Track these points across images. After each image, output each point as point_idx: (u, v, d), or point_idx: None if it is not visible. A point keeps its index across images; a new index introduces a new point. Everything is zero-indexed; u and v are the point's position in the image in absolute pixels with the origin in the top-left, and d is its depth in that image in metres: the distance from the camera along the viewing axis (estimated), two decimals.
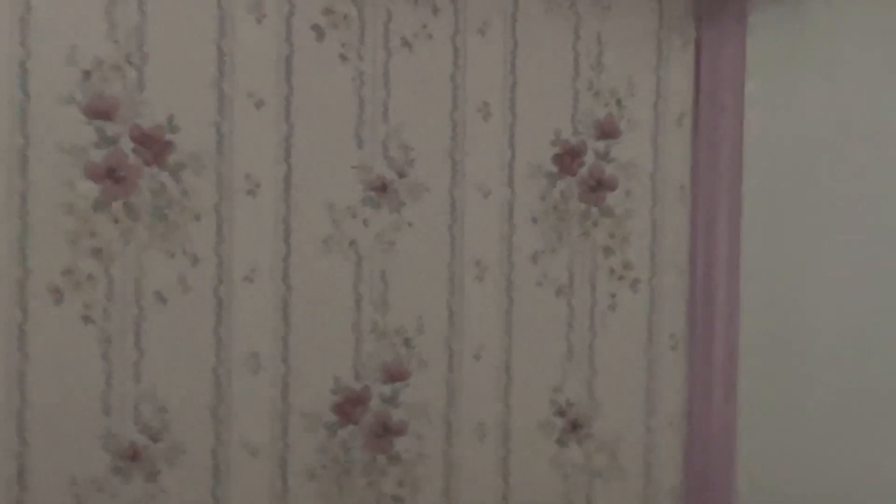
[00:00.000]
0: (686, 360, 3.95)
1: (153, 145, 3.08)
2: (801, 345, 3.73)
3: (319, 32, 3.29)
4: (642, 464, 3.90)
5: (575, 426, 3.78)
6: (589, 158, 3.75)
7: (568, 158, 3.72)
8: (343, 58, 3.33)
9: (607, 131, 3.78)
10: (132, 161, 3.06)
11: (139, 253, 3.08)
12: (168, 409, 3.14)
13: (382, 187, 3.41)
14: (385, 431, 3.46)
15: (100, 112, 3.00)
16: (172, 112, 3.10)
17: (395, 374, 3.47)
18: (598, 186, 3.78)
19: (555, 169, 3.70)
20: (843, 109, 3.59)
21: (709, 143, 3.90)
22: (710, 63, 3.89)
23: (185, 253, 3.13)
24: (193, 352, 3.16)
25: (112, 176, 3.02)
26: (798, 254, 3.73)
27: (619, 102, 3.80)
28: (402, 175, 3.43)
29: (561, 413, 3.75)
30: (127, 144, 3.04)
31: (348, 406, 3.40)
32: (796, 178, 3.72)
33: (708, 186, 3.91)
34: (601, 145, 3.77)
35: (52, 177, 2.97)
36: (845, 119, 3.59)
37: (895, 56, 3.45)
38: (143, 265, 3.09)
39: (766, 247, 3.83)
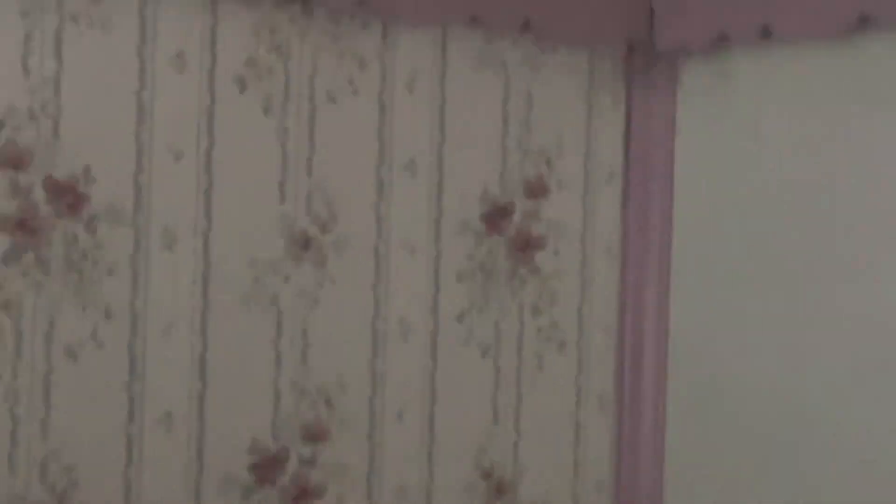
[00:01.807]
0: (614, 423, 3.90)
1: (67, 196, 3.00)
2: (729, 408, 3.70)
3: (242, 84, 3.24)
4: None
5: (500, 489, 3.72)
6: (517, 217, 3.72)
7: (496, 217, 3.68)
8: (266, 111, 3.28)
9: (536, 190, 3.75)
10: (45, 212, 2.97)
11: (50, 307, 2.99)
12: (76, 468, 3.03)
13: (305, 242, 3.35)
14: (303, 494, 3.38)
15: (12, 161, 2.92)
16: (89, 163, 3.03)
17: (314, 435, 3.39)
18: (526, 245, 3.74)
19: (482, 227, 3.66)
20: (770, 170, 3.59)
21: (639, 203, 3.89)
22: (641, 123, 3.87)
23: (98, 307, 3.04)
24: (105, 409, 3.07)
25: (23, 227, 2.93)
26: (726, 316, 3.71)
27: (548, 161, 3.77)
28: (325, 230, 3.37)
29: (486, 476, 3.69)
30: (40, 195, 2.96)
31: (265, 467, 3.31)
32: (725, 239, 3.71)
33: (637, 246, 3.89)
34: (530, 204, 3.74)
35: None
36: (773, 180, 3.60)
37: (821, 118, 3.46)
38: (53, 319, 2.99)
39: (695, 308, 3.81)
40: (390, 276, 3.50)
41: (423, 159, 3.55)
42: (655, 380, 3.88)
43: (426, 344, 3.57)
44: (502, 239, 3.70)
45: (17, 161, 2.94)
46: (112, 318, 3.07)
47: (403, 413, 3.54)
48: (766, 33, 3.49)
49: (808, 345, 3.50)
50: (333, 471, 3.42)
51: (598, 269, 3.88)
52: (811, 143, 3.49)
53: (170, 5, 3.13)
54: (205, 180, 3.20)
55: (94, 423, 3.06)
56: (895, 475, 3.28)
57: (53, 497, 3.00)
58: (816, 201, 3.49)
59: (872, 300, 3.35)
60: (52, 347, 3.00)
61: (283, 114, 3.30)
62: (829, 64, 3.43)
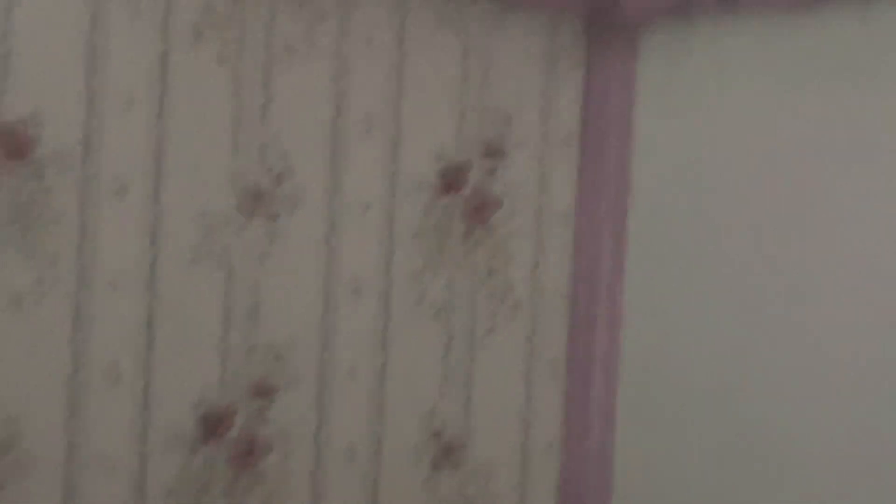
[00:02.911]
0: (564, 386, 3.88)
1: (15, 140, 2.93)
2: (679, 374, 3.69)
3: (198, 32, 3.17)
4: (517, 490, 3.82)
5: (449, 450, 3.69)
6: (473, 177, 3.67)
7: (452, 176, 3.64)
8: (222, 60, 3.21)
9: (493, 150, 3.70)
10: None
11: None
12: (19, 419, 2.97)
13: (257, 196, 3.29)
14: (251, 450, 3.33)
15: None
16: (38, 106, 2.95)
17: (263, 391, 3.34)
18: (482, 206, 3.70)
19: (438, 186, 3.61)
20: (729, 135, 3.56)
21: (595, 167, 3.85)
22: (599, 88, 3.84)
23: (44, 256, 2.97)
24: (49, 361, 3.01)
25: None
26: (680, 283, 3.69)
27: (506, 122, 3.73)
28: (278, 184, 3.32)
29: (435, 436, 3.66)
30: None
31: (213, 422, 3.27)
32: (681, 205, 3.69)
33: (593, 210, 3.86)
34: (487, 163, 3.70)
35: None
36: (732, 148, 3.57)
37: (780, 90, 3.44)
38: None
39: (650, 273, 3.79)
40: (344, 233, 3.45)
41: (379, 116, 3.50)
42: (607, 345, 3.86)
43: (378, 302, 3.53)
44: (458, 198, 3.66)
45: None
46: (58, 267, 3.00)
47: (354, 371, 3.50)
48: (729, 3, 3.46)
49: (763, 313, 3.48)
50: (282, 427, 3.37)
51: (553, 232, 3.85)
52: (769, 114, 3.47)
53: None
54: (156, 129, 3.13)
55: (38, 374, 3.00)
56: (838, 473, 3.28)
57: None
58: (773, 172, 3.47)
59: (824, 268, 3.34)
60: None
61: (238, 64, 3.24)
62: (790, 35, 3.40)
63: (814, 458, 3.32)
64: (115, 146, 3.07)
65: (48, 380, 3.01)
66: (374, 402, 3.54)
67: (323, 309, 3.43)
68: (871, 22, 3.20)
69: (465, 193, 3.67)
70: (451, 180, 3.64)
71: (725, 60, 3.56)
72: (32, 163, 2.96)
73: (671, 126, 3.72)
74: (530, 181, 3.79)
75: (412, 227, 3.58)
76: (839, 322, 3.27)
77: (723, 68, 3.57)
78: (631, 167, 3.81)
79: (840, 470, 3.25)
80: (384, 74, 3.49)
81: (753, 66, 3.49)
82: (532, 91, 3.76)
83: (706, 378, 3.61)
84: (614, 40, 3.80)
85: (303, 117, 3.36)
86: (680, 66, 3.68)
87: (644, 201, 3.80)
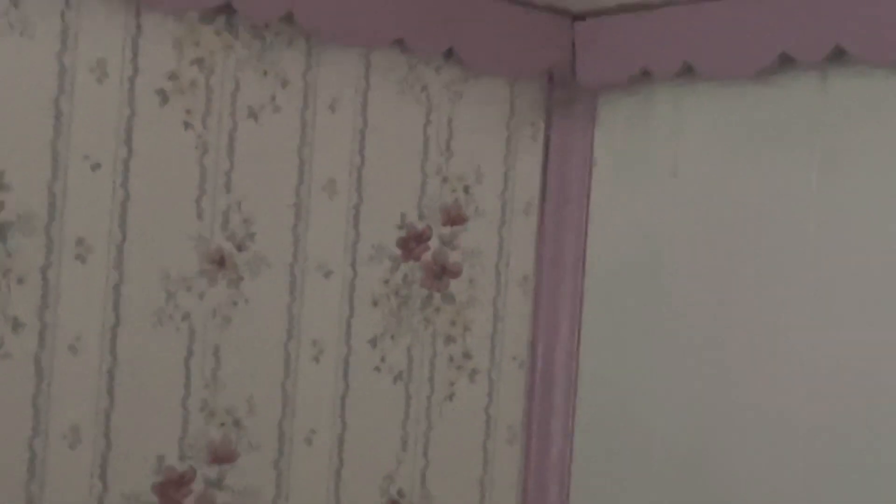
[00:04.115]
0: (522, 453, 3.89)
1: None
2: (637, 440, 3.71)
3: (164, 97, 3.19)
4: None
5: None
6: (434, 244, 3.70)
7: (413, 243, 3.66)
8: (187, 124, 3.23)
9: (453, 217, 3.74)
10: None
11: None
12: None
13: (220, 260, 3.29)
14: None
15: None
16: (2, 168, 2.95)
17: (222, 456, 3.32)
18: (441, 273, 3.73)
19: (399, 252, 3.64)
20: (686, 204, 3.62)
21: (553, 235, 3.90)
22: (559, 155, 3.89)
23: (6, 317, 2.96)
24: (9, 422, 2.98)
25: None
26: (638, 348, 3.73)
27: (466, 189, 3.76)
28: (241, 249, 3.33)
29: (393, 503, 3.65)
30: None
31: (170, 487, 3.24)
32: (639, 272, 3.73)
33: (551, 278, 3.90)
34: (447, 231, 3.73)
35: None
36: (688, 217, 3.63)
37: (738, 156, 3.51)
38: None
39: (607, 341, 3.82)
40: (305, 297, 3.46)
41: (342, 181, 3.52)
42: (564, 412, 3.89)
43: (338, 367, 3.54)
44: (418, 265, 3.68)
45: None
46: (20, 329, 2.99)
47: (312, 437, 3.49)
48: (686, 71, 3.53)
49: (718, 380, 3.52)
50: (240, 493, 3.35)
51: (511, 299, 3.88)
52: (727, 180, 3.53)
53: (92, 12, 3.07)
54: (121, 192, 3.13)
55: None
56: None
57: None
58: (730, 239, 3.52)
59: (782, 336, 3.39)
60: None
61: (203, 128, 3.25)
62: (747, 102, 3.47)
63: None
64: (80, 209, 3.06)
65: (8, 442, 2.98)
66: (333, 467, 3.54)
67: (283, 373, 3.43)
68: (829, 89, 3.28)
69: (425, 260, 3.70)
70: (411, 247, 3.67)
71: (683, 127, 3.63)
72: None
73: (629, 192, 3.78)
74: (490, 248, 3.82)
75: (372, 292, 3.59)
76: (798, 384, 3.32)
77: (680, 135, 3.63)
78: (589, 233, 3.86)
79: None
80: (347, 139, 3.52)
81: (711, 133, 3.56)
82: (492, 158, 3.81)
83: (664, 443, 3.64)
84: (573, 108, 3.86)
85: (266, 182, 3.37)
86: (638, 132, 3.75)
87: (601, 267, 3.84)
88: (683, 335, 3.61)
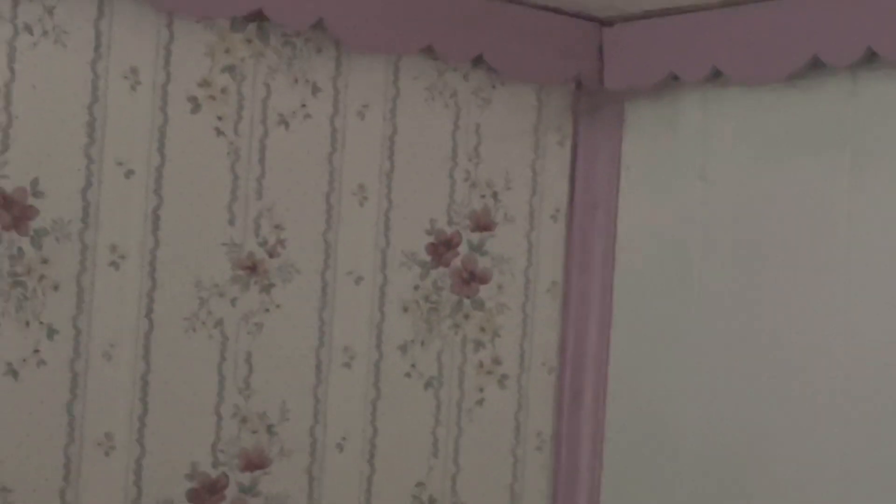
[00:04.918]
0: (552, 459, 3.89)
1: (15, 209, 2.94)
2: (667, 447, 3.70)
3: (195, 104, 3.20)
4: None
5: None
6: (463, 250, 3.70)
7: (442, 248, 3.67)
8: (218, 131, 3.24)
9: (482, 223, 3.74)
10: None
11: None
12: (13, 489, 2.95)
13: (252, 266, 3.30)
14: None
15: None
16: (37, 176, 2.97)
17: (255, 463, 3.33)
18: (471, 279, 3.73)
19: (428, 258, 3.64)
20: (715, 209, 3.61)
21: (582, 240, 3.89)
22: (587, 160, 3.89)
23: (41, 324, 2.97)
24: (44, 429, 2.99)
25: None
26: (667, 354, 3.72)
27: (495, 195, 3.77)
28: (273, 255, 3.33)
29: None
30: None
31: (204, 493, 3.25)
32: (668, 278, 3.73)
33: (580, 284, 3.89)
34: (476, 237, 3.73)
35: None
36: (716, 222, 3.62)
37: (766, 161, 3.50)
38: None
39: (636, 347, 3.81)
40: (336, 303, 3.46)
41: (372, 188, 3.53)
42: (594, 418, 3.88)
43: (369, 374, 3.54)
44: (447, 271, 3.68)
45: None
46: (55, 335, 3.00)
47: (344, 443, 3.49)
48: (715, 75, 3.53)
49: (749, 385, 3.51)
50: (272, 500, 3.36)
51: (540, 305, 3.88)
52: (757, 184, 3.53)
53: (125, 20, 3.09)
54: (154, 199, 3.15)
55: (33, 443, 2.98)
56: None
57: None
58: (760, 242, 3.52)
59: (813, 340, 3.38)
60: None
61: (235, 135, 3.26)
62: (776, 105, 3.46)
63: None
64: (114, 216, 3.08)
65: (43, 450, 2.99)
66: (365, 473, 3.54)
67: (315, 380, 3.43)
68: (858, 93, 3.28)
69: (455, 266, 3.70)
70: (440, 253, 3.67)
71: (712, 131, 3.62)
72: (31, 232, 2.96)
73: (657, 197, 3.77)
74: (518, 254, 3.82)
75: (402, 299, 3.60)
76: (830, 387, 3.31)
77: (709, 139, 3.63)
78: (617, 239, 3.85)
79: None
80: (377, 146, 3.53)
81: (741, 137, 3.55)
82: (521, 164, 3.81)
83: (695, 449, 3.63)
84: (601, 113, 3.86)
85: (297, 188, 3.38)
86: (666, 137, 3.74)
87: (630, 272, 3.84)
88: (714, 340, 3.60)
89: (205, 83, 3.22)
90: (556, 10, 3.70)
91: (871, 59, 3.19)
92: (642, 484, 3.77)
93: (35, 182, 2.97)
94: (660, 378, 3.74)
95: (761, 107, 3.51)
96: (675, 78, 3.62)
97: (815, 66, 3.30)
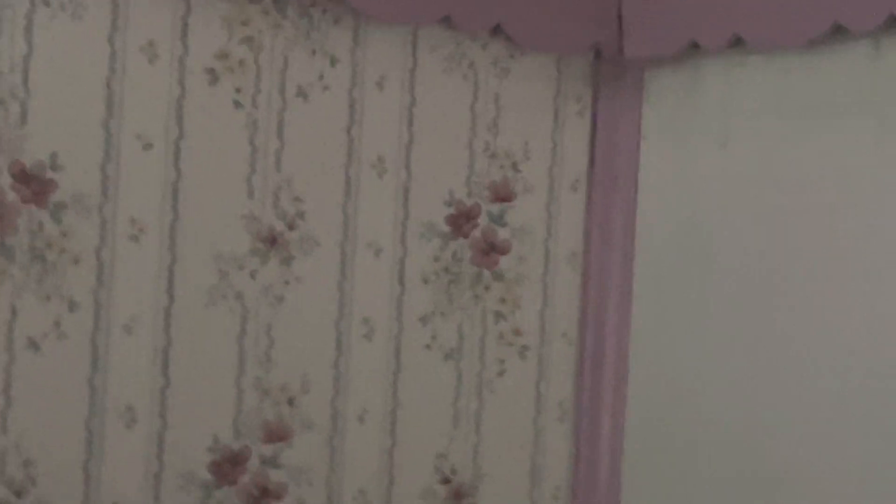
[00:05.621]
0: (573, 430, 3.88)
1: (34, 183, 2.94)
2: (688, 417, 3.69)
3: (213, 76, 3.19)
4: None
5: (459, 495, 3.68)
6: (483, 221, 3.69)
7: (462, 220, 3.66)
8: (237, 104, 3.23)
9: (502, 194, 3.73)
10: (10, 199, 2.91)
11: (13, 296, 2.92)
12: (35, 462, 2.96)
13: (272, 239, 3.30)
14: (263, 494, 3.32)
15: None
16: (56, 149, 2.96)
17: (276, 435, 3.33)
18: (490, 250, 3.71)
19: (448, 230, 3.63)
20: (736, 179, 3.59)
21: (602, 210, 3.88)
22: (606, 130, 3.87)
23: (62, 297, 2.97)
24: (66, 402, 3.00)
25: None
26: (688, 325, 3.70)
27: (514, 166, 3.75)
28: (292, 227, 3.33)
29: (445, 481, 3.65)
30: (6, 181, 2.90)
31: (226, 466, 3.26)
32: (689, 247, 3.71)
33: (600, 254, 3.88)
34: (495, 208, 3.72)
35: None
36: (739, 188, 3.60)
37: (788, 128, 3.47)
38: (16, 309, 2.92)
39: (657, 317, 3.80)
40: (355, 276, 3.46)
41: (390, 159, 3.52)
42: (615, 388, 3.87)
43: (389, 346, 3.54)
44: (467, 242, 3.67)
45: None
46: (76, 309, 3.00)
47: (365, 415, 3.49)
48: (736, 43, 3.50)
49: (771, 354, 3.50)
50: (294, 471, 3.36)
51: (560, 276, 3.86)
52: (779, 152, 3.50)
53: None
54: (173, 172, 3.15)
55: (55, 416, 2.99)
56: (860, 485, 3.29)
57: (11, 492, 2.92)
58: (782, 210, 3.49)
59: (837, 309, 3.36)
60: (14, 338, 2.92)
61: (253, 107, 3.26)
62: (798, 73, 3.43)
63: (825, 493, 3.32)
64: (133, 189, 3.08)
65: (65, 423, 3.00)
66: (386, 445, 3.54)
67: (335, 352, 3.43)
68: (882, 58, 3.24)
69: (474, 237, 3.69)
70: (460, 224, 3.66)
71: (733, 99, 3.59)
72: (51, 206, 2.96)
73: (678, 166, 3.74)
74: (538, 225, 3.81)
75: (422, 270, 3.59)
76: (853, 360, 3.29)
77: (730, 107, 3.60)
78: (638, 209, 3.83)
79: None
80: (395, 117, 3.52)
81: (762, 105, 3.52)
82: (540, 135, 3.79)
83: (715, 418, 3.61)
84: (621, 82, 3.84)
85: (316, 160, 3.37)
86: (687, 105, 3.71)
87: (651, 242, 3.82)
88: (736, 310, 3.58)
89: (222, 55, 3.21)
90: None
91: (892, 25, 3.16)
92: (664, 454, 3.76)
93: (54, 156, 2.97)
94: (681, 347, 3.72)
95: (783, 74, 3.47)
96: (696, 46, 3.59)
97: (837, 33, 3.27)
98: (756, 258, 3.55)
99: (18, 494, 2.93)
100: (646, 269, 3.84)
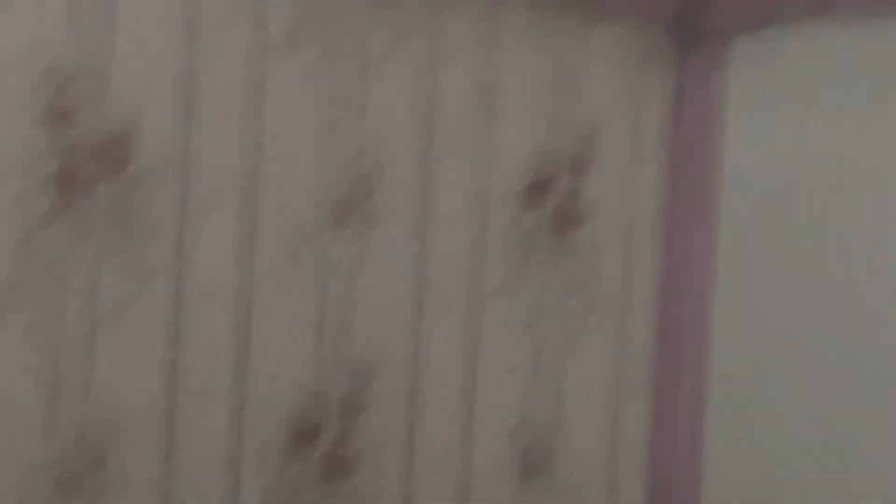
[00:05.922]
0: (652, 404, 3.84)
1: (113, 154, 2.93)
2: (771, 391, 3.65)
3: (292, 44, 3.17)
4: (606, 501, 3.80)
5: (536, 469, 3.66)
6: (560, 191, 3.65)
7: (539, 191, 3.62)
8: (315, 72, 3.21)
9: (580, 165, 3.68)
10: (90, 170, 2.91)
11: (93, 268, 2.92)
12: (116, 434, 2.97)
13: (349, 210, 3.28)
14: (340, 466, 3.32)
15: (58, 117, 2.85)
16: (135, 120, 2.96)
17: (353, 407, 3.33)
18: (568, 221, 3.67)
19: (526, 200, 3.59)
20: (822, 148, 3.52)
21: (682, 181, 3.82)
22: (688, 100, 3.81)
23: (141, 269, 2.98)
24: (145, 375, 3.01)
25: (68, 185, 2.87)
26: (772, 298, 3.65)
27: (592, 136, 3.70)
28: (369, 198, 3.31)
29: (523, 454, 3.63)
30: (85, 152, 2.89)
31: (303, 438, 3.26)
32: (773, 217, 3.65)
33: (680, 226, 3.82)
34: (573, 179, 3.67)
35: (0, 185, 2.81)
36: (825, 158, 3.53)
37: (876, 95, 3.40)
38: (96, 281, 2.93)
39: (739, 290, 3.75)
40: (433, 247, 3.43)
41: (468, 130, 3.48)
42: (696, 357, 3.82)
43: (466, 318, 3.51)
44: (545, 213, 3.63)
45: (62, 117, 2.87)
46: (155, 280, 3.01)
47: (443, 386, 3.48)
48: (822, 10, 3.42)
49: (860, 327, 3.44)
50: (371, 443, 3.36)
51: (639, 247, 3.82)
52: (867, 122, 3.43)
53: None
54: (251, 143, 3.13)
55: (135, 386, 3.00)
56: None
57: (92, 458, 2.94)
58: (872, 181, 3.43)
59: None
60: (96, 308, 2.93)
61: (331, 76, 3.23)
62: (887, 41, 3.35)
63: None
64: (212, 161, 3.07)
65: (145, 396, 3.01)
66: (463, 416, 3.52)
67: (412, 324, 3.41)
68: None
69: (552, 207, 3.65)
70: (537, 195, 3.62)
71: (819, 69, 3.52)
72: (130, 176, 2.96)
73: (762, 137, 3.68)
74: (616, 196, 3.76)
75: (500, 240, 3.56)
76: None
77: (816, 77, 3.52)
78: (720, 180, 3.78)
79: None
80: (474, 86, 3.48)
81: (850, 74, 3.44)
82: (619, 103, 3.74)
83: (796, 395, 3.57)
84: (703, 50, 3.77)
85: (392, 131, 3.35)
86: (771, 76, 3.64)
87: (732, 212, 3.76)
88: (824, 282, 3.53)
89: (301, 21, 3.18)
90: None
91: None
92: (745, 428, 3.72)
93: (133, 126, 2.96)
94: (765, 320, 3.67)
95: (872, 42, 3.40)
96: (781, 14, 3.52)
97: None
98: (845, 226, 3.49)
99: (99, 464, 2.95)
100: (728, 239, 3.78)
